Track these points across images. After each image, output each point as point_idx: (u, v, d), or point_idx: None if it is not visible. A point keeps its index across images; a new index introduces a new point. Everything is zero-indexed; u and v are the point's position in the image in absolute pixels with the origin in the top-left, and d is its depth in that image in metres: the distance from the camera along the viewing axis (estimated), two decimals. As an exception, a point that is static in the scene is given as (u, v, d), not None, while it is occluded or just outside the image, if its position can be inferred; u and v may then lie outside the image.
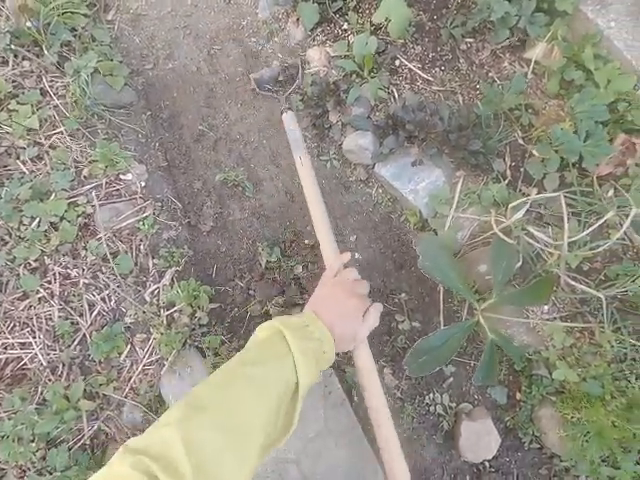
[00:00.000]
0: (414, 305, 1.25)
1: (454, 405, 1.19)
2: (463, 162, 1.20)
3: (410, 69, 1.32)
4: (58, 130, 1.38)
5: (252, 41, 1.58)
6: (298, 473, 1.14)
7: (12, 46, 1.37)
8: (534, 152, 1.11)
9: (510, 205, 1.09)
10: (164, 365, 1.18)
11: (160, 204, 1.37)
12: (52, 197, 1.30)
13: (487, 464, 1.14)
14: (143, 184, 1.39)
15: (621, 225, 0.99)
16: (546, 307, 1.10)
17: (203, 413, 0.49)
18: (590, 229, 1.00)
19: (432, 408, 1.19)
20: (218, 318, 1.28)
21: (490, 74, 1.29)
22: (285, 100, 1.38)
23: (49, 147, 1.37)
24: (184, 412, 0.50)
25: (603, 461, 1.00)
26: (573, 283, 1.04)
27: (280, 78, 1.47)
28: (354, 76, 1.34)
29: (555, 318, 1.08)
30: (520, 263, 1.09)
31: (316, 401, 1.19)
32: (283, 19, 1.52)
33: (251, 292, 1.31)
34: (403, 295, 1.25)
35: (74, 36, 1.47)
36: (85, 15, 1.52)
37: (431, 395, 1.20)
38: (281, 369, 0.58)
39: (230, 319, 1.28)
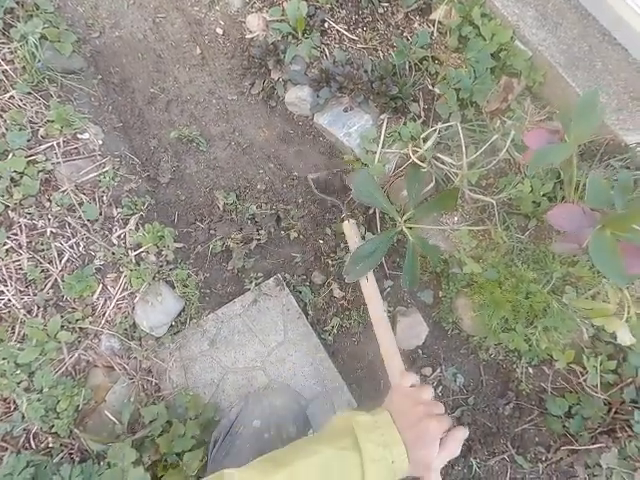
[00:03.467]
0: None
1: (392, 309, 1.43)
2: (386, 106, 1.43)
3: (338, 30, 1.53)
4: (9, 94, 1.43)
5: (195, 10, 1.70)
6: (265, 378, 1.33)
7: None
8: (436, 90, 1.36)
9: (422, 136, 1.33)
10: (136, 298, 1.31)
11: (119, 160, 1.48)
12: (10, 156, 1.36)
13: (420, 352, 1.40)
14: (100, 142, 1.48)
15: (505, 145, 1.26)
16: (456, 218, 1.37)
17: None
18: (481, 149, 1.26)
19: (374, 314, 1.42)
20: (183, 256, 1.42)
21: (404, 34, 1.52)
22: (345, 207, 1.37)
23: (1, 110, 1.42)
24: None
25: (502, 330, 1.28)
26: (474, 195, 1.30)
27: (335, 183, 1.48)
28: (290, 37, 1.52)
29: (463, 225, 1.34)
30: (433, 183, 1.34)
31: (276, 316, 1.38)
32: (222, -12, 1.66)
33: (212, 232, 1.46)
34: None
35: (17, 3, 1.51)
36: (26, -16, 1.56)
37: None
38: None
39: (195, 256, 1.43)
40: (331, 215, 1.49)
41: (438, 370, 1.38)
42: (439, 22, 1.48)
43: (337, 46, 1.52)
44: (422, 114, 1.44)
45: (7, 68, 1.46)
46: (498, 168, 1.34)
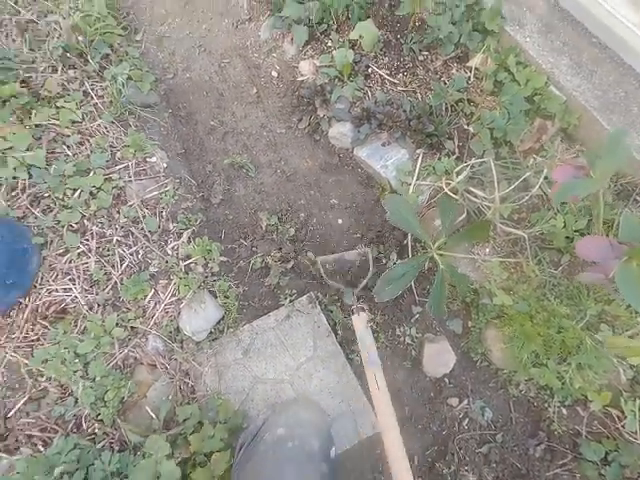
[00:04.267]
0: (387, 252, 1.54)
1: (420, 336, 1.45)
2: (421, 142, 1.53)
3: (380, 75, 1.68)
4: (97, 122, 1.70)
5: (255, 56, 1.95)
6: (292, 391, 1.38)
7: (65, 56, 1.71)
8: (471, 129, 1.45)
9: (455, 170, 1.41)
10: (182, 304, 1.44)
11: (179, 181, 1.68)
12: (91, 173, 1.60)
13: (447, 381, 1.40)
14: (165, 165, 1.70)
15: (538, 182, 1.31)
16: (487, 250, 1.40)
17: None
18: (514, 185, 1.32)
19: (402, 339, 1.45)
20: (227, 269, 1.55)
21: (442, 79, 1.65)
22: (356, 297, 1.27)
23: (89, 135, 1.68)
24: None
25: (533, 365, 1.26)
26: (505, 228, 1.34)
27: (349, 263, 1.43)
28: (336, 80, 1.70)
29: (494, 257, 1.37)
30: (465, 215, 1.40)
31: (306, 333, 1.45)
32: (279, 39, 1.90)
33: (253, 249, 1.59)
34: (380, 247, 1.54)
35: (111, 50, 1.82)
36: (120, 35, 1.88)
37: (401, 328, 1.46)
38: None
39: (237, 270, 1.56)
40: (370, 234, 1.58)
41: (465, 402, 1.37)
42: (476, 68, 1.59)
43: (379, 88, 1.67)
44: (456, 151, 1.53)
45: (97, 102, 1.74)
46: (530, 203, 1.38)
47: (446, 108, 1.56)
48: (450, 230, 1.34)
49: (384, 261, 1.53)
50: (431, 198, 1.50)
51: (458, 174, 1.41)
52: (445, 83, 1.63)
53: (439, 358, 1.37)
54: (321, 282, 1.53)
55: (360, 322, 1.01)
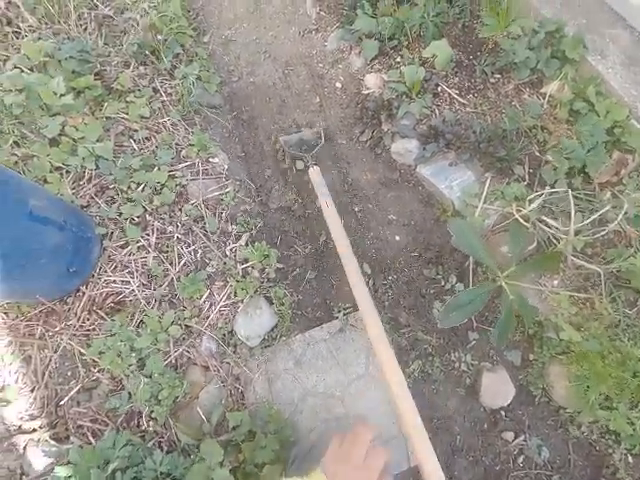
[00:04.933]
0: (446, 274, 1.51)
1: (476, 363, 1.41)
2: (490, 166, 1.51)
3: (449, 94, 1.67)
4: (164, 119, 1.73)
5: (319, 66, 1.96)
6: (343, 408, 1.35)
7: (139, 52, 1.75)
8: (549, 157, 1.41)
9: (528, 198, 1.38)
10: (237, 307, 1.43)
11: (239, 183, 1.68)
12: (156, 169, 1.62)
13: (503, 413, 1.35)
14: (226, 167, 1.71)
15: (617, 217, 1.27)
16: (556, 282, 1.36)
17: None
18: (591, 218, 1.28)
19: (457, 365, 1.41)
20: (282, 276, 1.54)
21: (513, 102, 1.63)
22: (311, 158, 1.66)
23: (156, 131, 1.71)
24: None
25: (601, 407, 1.20)
26: (578, 261, 1.30)
27: (305, 141, 1.75)
28: (404, 96, 1.69)
29: (563, 290, 1.33)
30: (535, 244, 1.36)
31: (359, 349, 1.42)
32: (347, 51, 1.91)
33: (309, 258, 1.58)
34: (439, 268, 1.51)
35: (182, 50, 1.86)
36: (190, 36, 1.92)
37: (457, 354, 1.42)
38: None
39: (292, 278, 1.54)
40: (428, 253, 1.55)
41: (521, 437, 1.31)
42: (550, 95, 1.56)
43: (447, 107, 1.66)
44: (526, 177, 1.50)
45: (166, 99, 1.76)
46: (606, 239, 1.34)
47: (517, 133, 1.53)
48: (519, 258, 1.31)
49: (442, 283, 1.50)
50: (497, 223, 1.46)
51: (531, 202, 1.38)
52: (516, 107, 1.61)
53: (497, 389, 1.32)
54: (374, 295, 1.50)
55: (315, 173, 1.31)
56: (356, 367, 1.40)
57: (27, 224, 1.19)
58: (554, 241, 1.36)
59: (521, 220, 1.36)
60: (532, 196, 1.38)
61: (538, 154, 1.51)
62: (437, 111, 1.66)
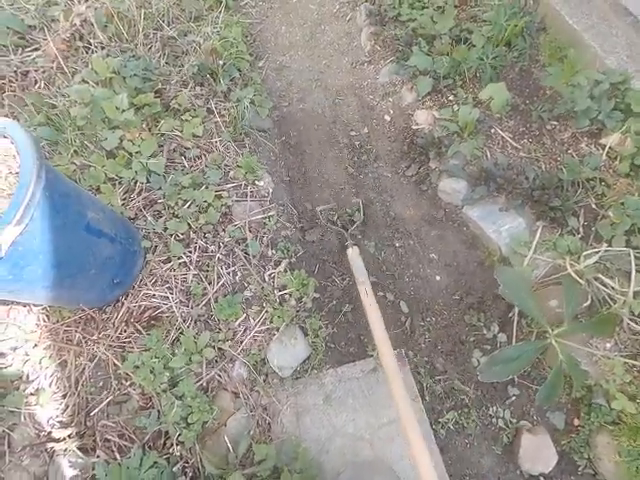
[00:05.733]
0: (488, 322, 1.45)
1: (514, 421, 1.33)
2: (542, 215, 1.46)
3: (502, 137, 1.64)
4: (216, 139, 1.77)
5: (369, 97, 1.98)
6: (371, 451, 1.30)
7: (198, 74, 1.82)
8: (610, 214, 1.36)
9: (584, 253, 1.32)
10: (272, 334, 1.42)
11: (282, 208, 1.70)
12: (203, 187, 1.65)
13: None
14: (271, 190, 1.73)
15: (681, 283, 1.19)
16: (609, 345, 1.28)
17: None
18: (654, 282, 1.21)
19: (494, 420, 1.34)
20: (318, 307, 1.52)
21: (569, 151, 1.59)
22: (350, 236, 1.53)
23: (207, 151, 1.75)
24: None
25: (656, 490, 1.11)
26: (636, 327, 1.22)
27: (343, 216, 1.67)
28: (455, 135, 1.68)
29: (616, 355, 1.25)
30: (589, 302, 1.30)
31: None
32: (399, 85, 1.92)
33: (346, 291, 1.56)
34: (481, 315, 1.46)
35: (239, 74, 1.92)
36: (247, 61, 1.98)
37: (494, 408, 1.36)
38: None
39: (327, 309, 1.53)
40: (470, 298, 1.50)
41: (561, 510, 1.22)
42: (610, 147, 1.52)
43: (499, 150, 1.63)
44: (581, 230, 1.44)
45: (219, 120, 1.81)
46: (668, 305, 1.26)
47: (573, 183, 1.48)
48: (571, 316, 1.24)
49: (484, 331, 1.44)
50: (547, 275, 1.41)
51: (586, 257, 1.32)
52: (573, 156, 1.57)
53: (538, 453, 1.25)
54: (410, 336, 1.46)
55: (354, 253, 1.27)
56: (388, 410, 1.35)
57: (84, 235, 1.23)
58: (609, 301, 1.29)
59: (574, 276, 1.30)
60: (588, 252, 1.32)
61: (595, 207, 1.45)
62: (489, 153, 1.63)
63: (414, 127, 1.81)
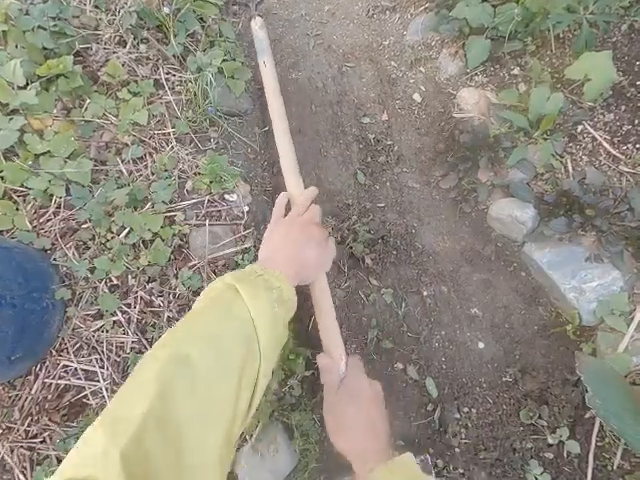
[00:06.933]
0: (553, 422, 1.02)
1: None
2: (654, 271, 0.96)
3: (595, 138, 1.09)
4: (166, 131, 1.21)
5: (391, 65, 1.38)
6: None
7: (139, 25, 1.22)
8: None
9: None
10: (242, 440, 0.99)
11: (261, 237, 1.19)
12: (148, 207, 1.13)
13: None
14: (247, 209, 1.21)
15: None
16: None
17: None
18: None
19: None
20: (308, 388, 1.08)
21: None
22: (255, 6, 1.23)
23: (153, 149, 1.20)
24: None
25: None
26: None
27: None
28: (521, 134, 1.12)
29: None
30: None
31: None
32: (436, 48, 1.31)
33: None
34: (543, 408, 1.02)
35: (202, 28, 1.30)
36: (216, 5, 1.35)
37: None
38: (240, 328, 0.51)
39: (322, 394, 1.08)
40: (528, 381, 1.05)
41: None
42: None
43: (587, 160, 1.09)
44: None
45: (172, 99, 1.24)
46: None
47: None
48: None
49: (546, 434, 1.01)
50: (654, 367, 0.94)
51: None
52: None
53: None
54: (439, 434, 1.04)
55: (258, 26, 1.04)
56: None
57: None
58: None
59: None
60: None
61: None
62: (571, 165, 1.09)
63: (456, 115, 1.24)
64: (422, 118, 1.31)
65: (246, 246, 1.15)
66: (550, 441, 1.01)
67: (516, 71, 1.18)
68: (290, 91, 1.40)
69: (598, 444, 0.99)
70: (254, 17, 1.15)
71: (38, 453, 0.98)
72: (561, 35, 1.13)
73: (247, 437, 0.98)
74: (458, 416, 1.06)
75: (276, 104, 0.97)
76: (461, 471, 1.01)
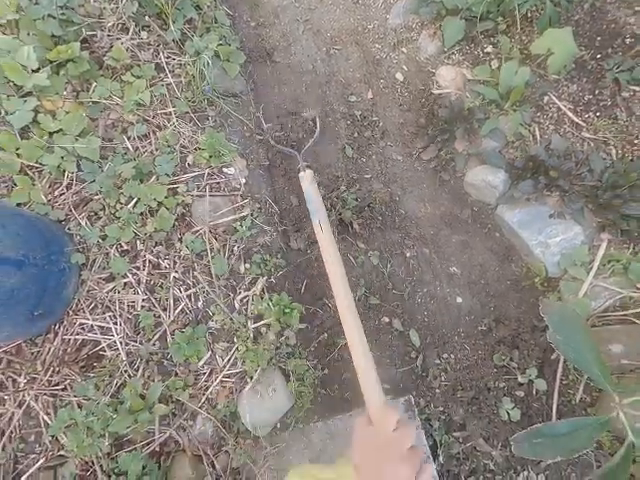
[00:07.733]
0: (523, 364, 1.13)
1: (556, 498, 1.06)
2: (611, 224, 1.07)
3: (559, 108, 1.19)
4: (168, 110, 1.32)
5: (376, 47, 1.48)
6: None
7: (140, 13, 1.31)
8: None
9: (671, 287, 0.96)
10: (245, 379, 1.10)
11: (258, 205, 1.29)
12: (153, 179, 1.24)
13: None
14: (244, 181, 1.31)
15: None
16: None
17: None
18: None
19: (524, 487, 1.07)
20: (305, 340, 1.19)
21: (651, 131, 1.14)
22: (302, 156, 1.13)
23: (157, 127, 1.30)
24: None
25: None
26: None
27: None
28: (493, 106, 1.22)
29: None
30: (669, 354, 0.96)
31: (399, 453, 1.09)
32: (416, 29, 1.41)
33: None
34: (514, 352, 1.13)
35: (198, 15, 1.40)
36: (211, -7, 1.45)
37: (525, 473, 1.08)
38: None
39: (317, 343, 1.20)
40: (501, 329, 1.16)
41: None
42: None
43: (552, 128, 1.19)
44: (663, 247, 1.06)
45: (172, 81, 1.34)
46: None
47: (657, 179, 1.07)
48: (645, 375, 0.91)
49: (517, 374, 1.12)
50: (611, 309, 1.05)
51: (674, 293, 0.95)
52: (656, 138, 1.13)
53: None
54: (421, 377, 1.15)
55: (306, 179, 0.94)
56: (390, 474, 1.07)
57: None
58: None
59: (655, 319, 0.94)
60: (678, 286, 0.95)
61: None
62: (539, 133, 1.19)
63: (435, 91, 1.34)
64: (404, 95, 1.41)
65: (243, 214, 1.26)
66: (520, 380, 1.12)
67: (489, 49, 1.28)
68: (282, 74, 1.50)
69: (563, 382, 1.10)
70: (303, 169, 1.00)
71: (60, 399, 1.09)
72: (529, 14, 1.23)
73: (248, 379, 1.09)
74: (438, 362, 1.17)
75: (341, 284, 0.71)
76: (441, 409, 1.13)
